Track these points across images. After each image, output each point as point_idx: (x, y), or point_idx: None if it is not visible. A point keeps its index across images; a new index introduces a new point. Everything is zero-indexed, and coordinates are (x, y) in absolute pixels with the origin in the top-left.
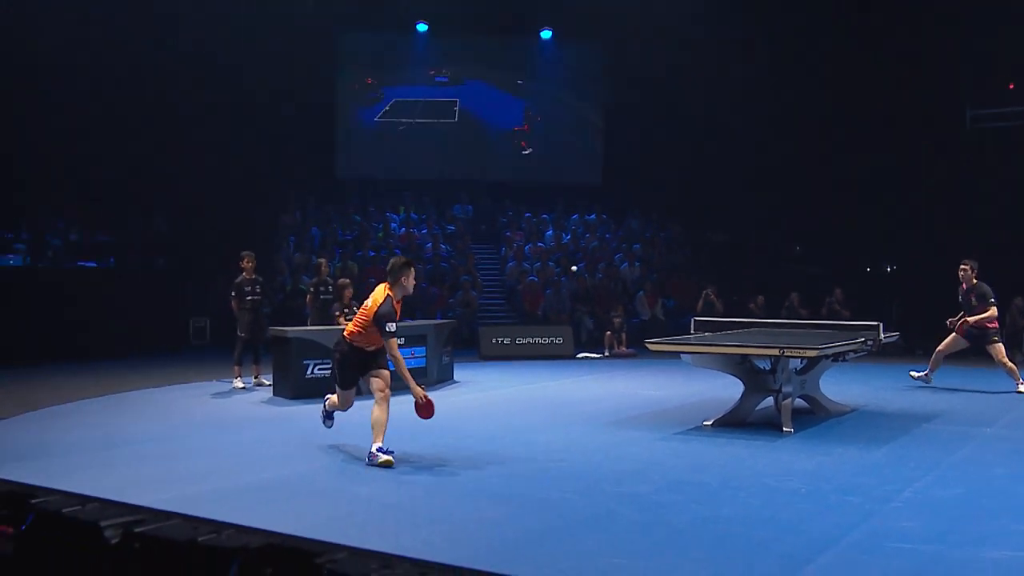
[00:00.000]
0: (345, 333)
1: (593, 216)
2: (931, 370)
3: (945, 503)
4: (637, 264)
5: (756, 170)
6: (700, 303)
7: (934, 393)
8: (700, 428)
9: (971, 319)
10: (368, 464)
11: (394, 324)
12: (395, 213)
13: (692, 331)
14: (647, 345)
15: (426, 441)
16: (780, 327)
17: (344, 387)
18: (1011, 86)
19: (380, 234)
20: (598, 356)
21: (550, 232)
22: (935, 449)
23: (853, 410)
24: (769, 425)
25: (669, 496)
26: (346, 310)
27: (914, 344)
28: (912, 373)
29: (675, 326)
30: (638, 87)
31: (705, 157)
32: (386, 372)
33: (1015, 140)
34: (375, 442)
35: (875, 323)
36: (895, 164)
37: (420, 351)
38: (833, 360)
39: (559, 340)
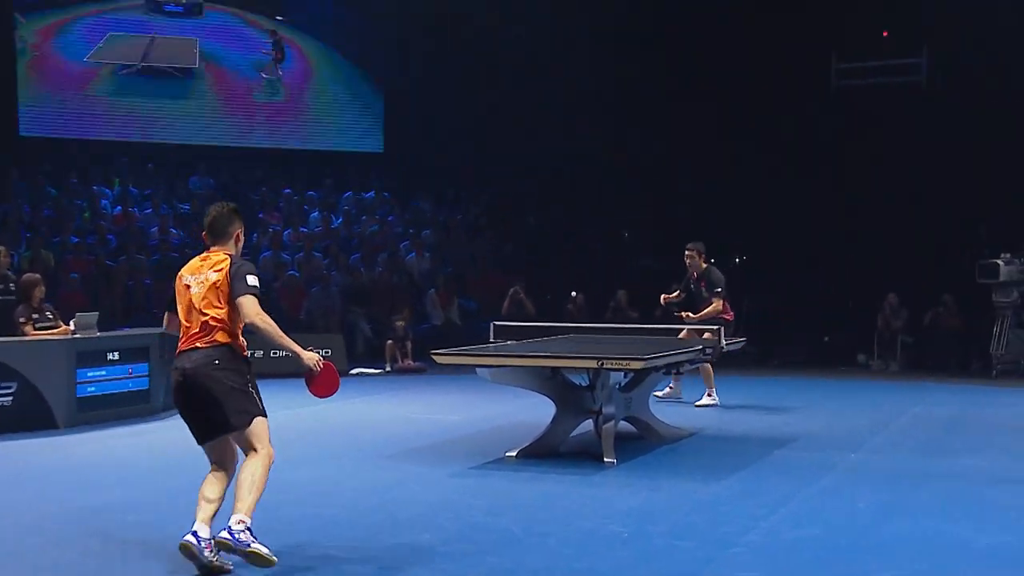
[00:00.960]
0: (196, 343)
1: (372, 194)
2: (710, 388)
3: (797, 546)
4: (427, 255)
5: (575, 140)
6: (506, 303)
7: (790, 412)
8: (502, 460)
9: (694, 316)
10: (234, 546)
11: (257, 279)
12: (107, 186)
13: (492, 338)
14: (434, 357)
15: (144, 483)
16: (602, 333)
17: (209, 435)
18: (885, 33)
19: (86, 214)
20: (377, 372)
21: (316, 213)
22: (788, 480)
23: (691, 434)
24: (587, 455)
25: (460, 546)
26: (35, 315)
27: (767, 350)
28: (696, 404)
29: (475, 332)
30: (431, 34)
31: (513, 123)
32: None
33: (889, 101)
34: (244, 513)
35: (714, 326)
36: (744, 131)
37: (141, 368)
38: (666, 373)
39: (327, 352)
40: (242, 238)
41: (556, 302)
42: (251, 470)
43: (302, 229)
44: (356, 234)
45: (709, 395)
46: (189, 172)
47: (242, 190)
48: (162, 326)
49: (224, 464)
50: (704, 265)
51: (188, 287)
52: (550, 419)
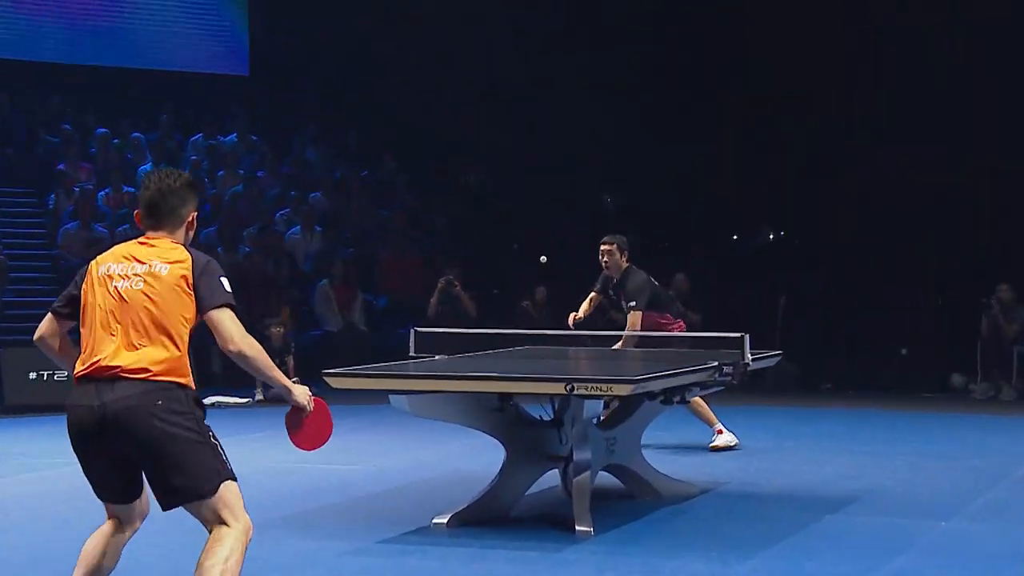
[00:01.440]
0: (123, 372)
1: (234, 136)
2: (714, 424)
3: None
4: (318, 229)
5: (528, 71)
6: (433, 301)
7: (849, 460)
8: (427, 530)
9: (617, 346)
10: None
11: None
12: None
13: (413, 351)
14: (327, 379)
15: None
16: (573, 342)
17: (130, 497)
18: None
19: None
20: (243, 401)
21: (148, 166)
22: (846, 559)
23: (703, 491)
24: (550, 521)
25: None
26: None
27: (816, 369)
28: (710, 445)
29: (388, 342)
30: None
31: (440, 32)
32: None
33: None
34: None
35: (737, 334)
36: (777, 56)
37: None
38: (665, 402)
39: None
40: (195, 224)
41: (507, 298)
42: (223, 554)
43: (126, 189)
44: (210, 197)
45: (720, 432)
46: None
47: (33, 128)
48: None
49: (131, 519)
50: (625, 265)
51: (111, 279)
52: (497, 470)
